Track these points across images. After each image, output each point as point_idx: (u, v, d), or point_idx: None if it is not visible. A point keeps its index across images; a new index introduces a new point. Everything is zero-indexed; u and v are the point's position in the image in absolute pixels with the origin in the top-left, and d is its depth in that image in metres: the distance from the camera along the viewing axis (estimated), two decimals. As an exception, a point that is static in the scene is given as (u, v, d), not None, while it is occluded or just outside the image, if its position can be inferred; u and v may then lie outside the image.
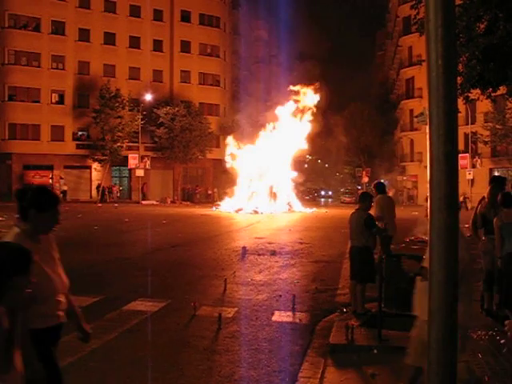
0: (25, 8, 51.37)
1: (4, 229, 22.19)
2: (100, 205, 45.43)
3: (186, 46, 60.48)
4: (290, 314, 8.93)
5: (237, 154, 44.72)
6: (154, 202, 51.48)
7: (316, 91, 43.21)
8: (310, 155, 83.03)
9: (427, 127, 2.07)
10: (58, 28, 53.59)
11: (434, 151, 2.00)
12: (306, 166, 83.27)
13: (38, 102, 52.47)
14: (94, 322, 8.15)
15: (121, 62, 56.26)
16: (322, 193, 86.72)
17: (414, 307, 4.92)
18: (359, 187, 64.87)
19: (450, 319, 1.98)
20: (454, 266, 2.00)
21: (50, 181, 48.51)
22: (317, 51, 79.22)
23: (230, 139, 45.70)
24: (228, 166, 45.73)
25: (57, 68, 53.57)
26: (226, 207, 40.78)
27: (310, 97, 43.05)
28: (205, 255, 15.93)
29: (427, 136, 2.06)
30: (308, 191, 64.71)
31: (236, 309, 9.19)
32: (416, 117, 40.64)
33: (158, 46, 59.04)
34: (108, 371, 6.27)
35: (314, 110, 42.95)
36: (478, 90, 12.12)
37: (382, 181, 13.30)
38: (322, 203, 65.93)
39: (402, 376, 5.17)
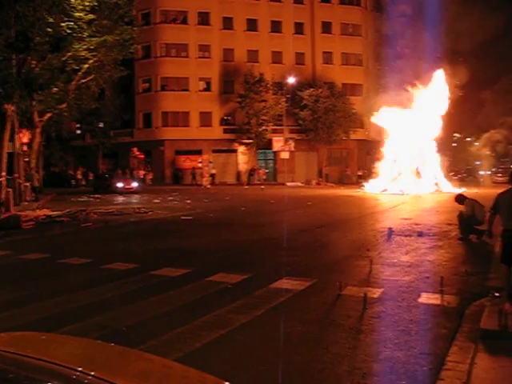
0: (173, 3, 54.24)
1: (159, 210, 23.70)
2: (247, 187, 46.84)
3: (327, 27, 59.98)
4: (437, 296, 8.64)
5: (382, 133, 43.84)
6: (299, 184, 51.92)
7: (462, 68, 41.22)
8: (458, 133, 79.29)
9: None
10: (204, 19, 55.60)
11: None
12: (454, 144, 79.65)
13: (187, 90, 55.10)
14: (243, 298, 8.53)
15: (263, 47, 57.16)
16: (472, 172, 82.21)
17: None
18: (513, 166, 60.60)
19: None
20: None
21: (200, 165, 50.79)
22: (464, 25, 74.73)
23: (374, 119, 44.83)
24: (374, 146, 44.96)
25: (203, 57, 55.69)
26: (370, 188, 40.20)
27: (456, 74, 41.12)
28: (349, 236, 15.91)
29: None
30: (457, 171, 61.67)
31: (382, 289, 9.10)
32: None
33: (299, 28, 59.12)
34: (255, 345, 6.52)
35: (460, 87, 40.99)
36: None
37: None
38: (473, 183, 62.62)
39: None
